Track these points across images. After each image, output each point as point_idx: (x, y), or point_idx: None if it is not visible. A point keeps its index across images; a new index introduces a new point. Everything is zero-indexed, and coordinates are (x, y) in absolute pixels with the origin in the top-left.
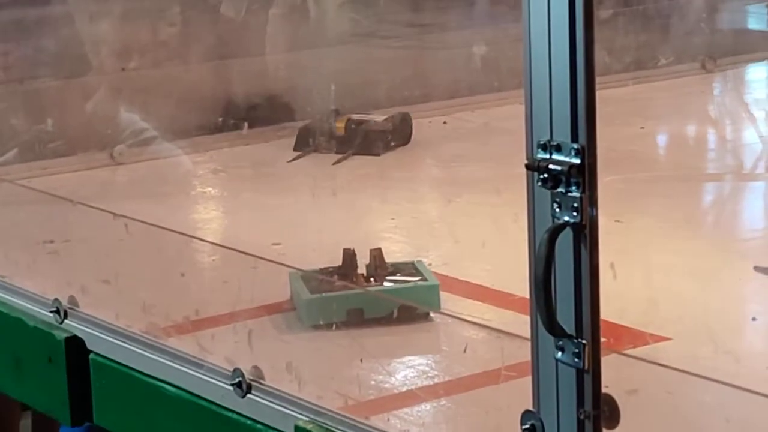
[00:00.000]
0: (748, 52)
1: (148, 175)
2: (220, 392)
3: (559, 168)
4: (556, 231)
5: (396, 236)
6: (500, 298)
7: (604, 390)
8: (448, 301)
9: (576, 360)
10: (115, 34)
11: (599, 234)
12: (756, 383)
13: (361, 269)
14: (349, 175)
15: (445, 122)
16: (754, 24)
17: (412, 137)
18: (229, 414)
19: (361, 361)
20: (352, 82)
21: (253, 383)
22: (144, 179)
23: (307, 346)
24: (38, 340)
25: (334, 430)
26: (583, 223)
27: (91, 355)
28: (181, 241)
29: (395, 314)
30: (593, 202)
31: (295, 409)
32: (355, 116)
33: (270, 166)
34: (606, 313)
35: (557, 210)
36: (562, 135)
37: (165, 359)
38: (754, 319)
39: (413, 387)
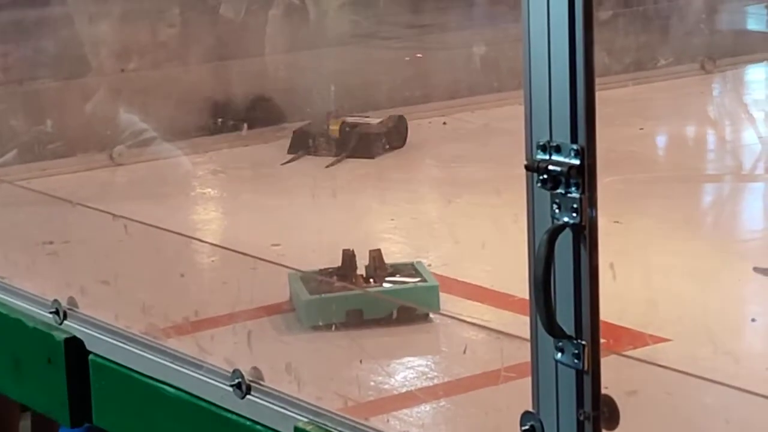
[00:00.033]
0: (748, 53)
1: (148, 176)
2: (220, 393)
3: (558, 169)
4: (555, 232)
5: (395, 237)
6: (500, 299)
7: (603, 391)
8: (448, 302)
9: (575, 361)
10: (114, 35)
11: (599, 235)
12: (756, 384)
13: (361, 270)
14: (348, 176)
15: (444, 123)
16: (753, 25)
17: (413, 138)
18: (229, 415)
19: (361, 362)
20: (351, 83)
21: (252, 384)
22: (143, 180)
23: (307, 347)
24: (38, 341)
25: (334, 431)
26: (583, 224)
27: (91, 356)
28: (181, 242)
29: (395, 315)
30: (593, 203)
31: (295, 410)
32: (350, 119)
33: (269, 167)
34: (605, 314)
35: (557, 211)
36: (562, 136)
37: (164, 360)
38: (753, 320)
39: (413, 388)
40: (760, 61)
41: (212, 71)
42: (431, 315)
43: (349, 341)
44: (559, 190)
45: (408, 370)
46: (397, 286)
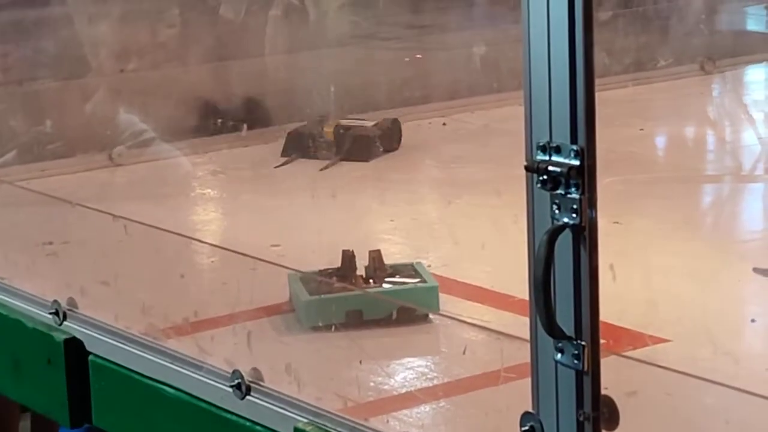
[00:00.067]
0: (747, 53)
1: (147, 177)
2: (220, 394)
3: (558, 169)
4: (555, 232)
5: (395, 238)
6: (500, 300)
7: (603, 392)
8: (448, 302)
9: (575, 362)
10: (113, 35)
11: (598, 235)
12: (755, 385)
13: (360, 271)
14: (347, 177)
15: (444, 124)
16: (752, 25)
17: (413, 139)
18: (229, 416)
19: (361, 362)
20: (350, 84)
21: (252, 385)
22: (143, 181)
23: (307, 347)
24: (37, 341)
25: (333, 431)
26: (583, 224)
27: (91, 357)
28: (181, 243)
29: (394, 316)
30: (592, 203)
31: (295, 411)
32: (344, 121)
33: (269, 167)
34: (605, 314)
35: (557, 211)
36: (562, 136)
37: (164, 361)
38: (753, 320)
39: (412, 388)
40: (760, 61)
41: (210, 72)
42: (431, 316)
43: (349, 342)
44: (558, 191)
45: (408, 371)
46: (396, 287)
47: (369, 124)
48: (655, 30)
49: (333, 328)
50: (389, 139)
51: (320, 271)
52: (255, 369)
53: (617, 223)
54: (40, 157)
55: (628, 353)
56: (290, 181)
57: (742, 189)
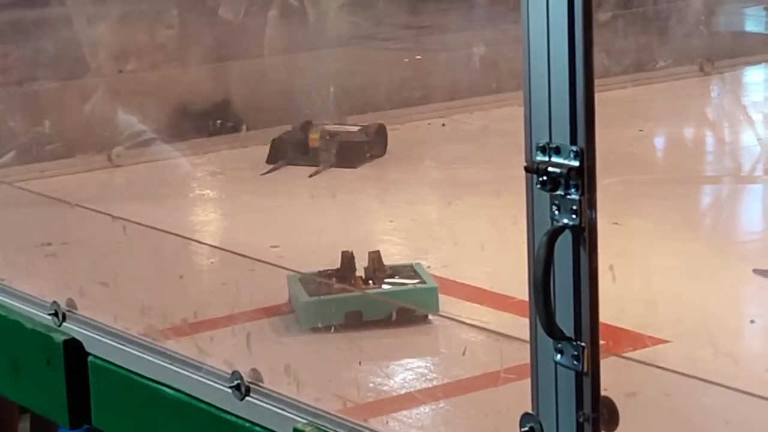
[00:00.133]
0: (746, 54)
1: (147, 177)
2: (219, 395)
3: (558, 170)
4: (555, 233)
5: (395, 238)
6: (499, 301)
7: (603, 393)
8: (447, 303)
9: (575, 363)
10: (112, 36)
11: (598, 236)
12: (755, 386)
13: (360, 272)
14: (347, 177)
15: (443, 124)
16: (752, 27)
17: (413, 139)
18: (228, 417)
19: (360, 363)
20: (350, 84)
21: (251, 386)
22: (142, 181)
23: (306, 348)
24: (36, 342)
25: None
26: (582, 225)
27: (90, 358)
28: (180, 244)
29: (394, 317)
30: (592, 204)
31: (294, 412)
32: (330, 127)
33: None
34: (605, 315)
35: (556, 212)
36: (561, 137)
37: (163, 362)
38: (752, 321)
39: (412, 389)
40: (759, 62)
41: (207, 73)
42: (430, 316)
43: (348, 343)
44: (558, 192)
45: (407, 372)
46: (396, 288)
47: (354, 129)
48: (655, 31)
49: (332, 329)
50: (376, 144)
51: (319, 272)
52: (254, 370)
53: (617, 224)
54: (39, 157)
55: (628, 354)
56: (289, 182)
57: (741, 190)
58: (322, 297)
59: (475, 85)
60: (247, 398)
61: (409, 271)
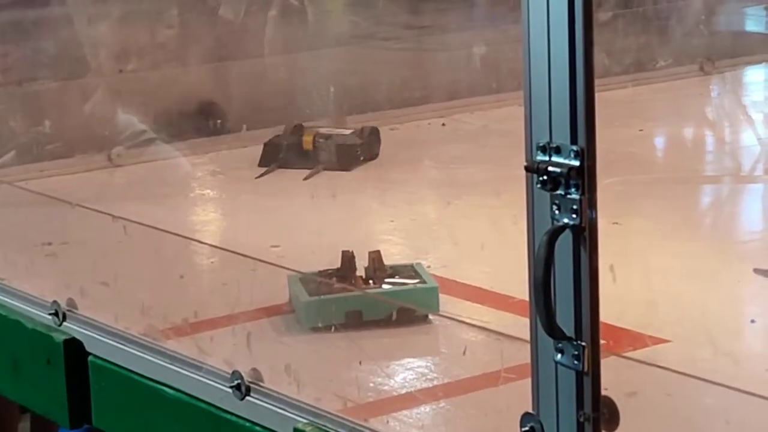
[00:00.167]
0: (747, 54)
1: (147, 177)
2: (219, 394)
3: (558, 170)
4: (555, 233)
5: (395, 238)
6: (499, 301)
7: (603, 392)
8: (447, 303)
9: (575, 362)
10: (113, 36)
11: (598, 236)
12: (755, 385)
13: (360, 271)
14: (346, 178)
15: (443, 124)
16: (752, 26)
17: (412, 139)
18: (228, 416)
19: (360, 363)
20: (351, 84)
21: (252, 385)
22: (142, 181)
23: (306, 348)
24: (37, 342)
25: None
26: (583, 225)
27: (90, 358)
28: (180, 243)
29: (394, 316)
30: (592, 204)
31: (294, 412)
32: (323, 130)
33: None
34: (605, 315)
35: (556, 212)
36: (562, 137)
37: (164, 361)
38: (753, 321)
39: (412, 389)
40: (759, 62)
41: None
42: (431, 316)
43: (349, 342)
44: (558, 192)
45: (407, 372)
46: (396, 288)
47: (347, 132)
48: (655, 31)
49: (333, 328)
50: (369, 147)
51: (320, 271)
52: (255, 370)
53: (617, 223)
54: (39, 157)
55: (628, 354)
56: (289, 182)
57: (741, 190)
58: (322, 297)
59: (475, 84)
60: (247, 398)
61: (410, 270)
